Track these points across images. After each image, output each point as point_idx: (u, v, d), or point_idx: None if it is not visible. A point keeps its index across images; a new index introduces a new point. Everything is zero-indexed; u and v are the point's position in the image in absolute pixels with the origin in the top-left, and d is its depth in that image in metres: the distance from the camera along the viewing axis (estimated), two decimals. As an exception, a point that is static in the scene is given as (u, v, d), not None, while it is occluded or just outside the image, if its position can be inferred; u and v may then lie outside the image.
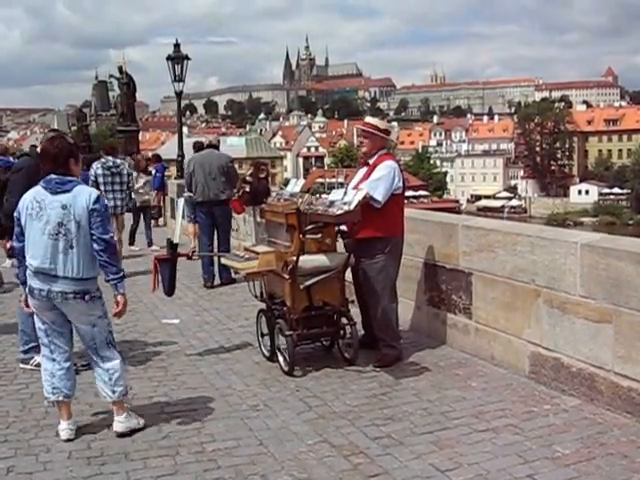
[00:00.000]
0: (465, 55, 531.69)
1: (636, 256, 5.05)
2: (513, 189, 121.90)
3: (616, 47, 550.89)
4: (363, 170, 6.84)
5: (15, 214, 5.15)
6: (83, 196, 5.04)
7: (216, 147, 11.60)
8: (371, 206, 6.35)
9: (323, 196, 6.69)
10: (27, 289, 5.11)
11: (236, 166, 12.61)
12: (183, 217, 7.76)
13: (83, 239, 4.99)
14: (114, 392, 5.17)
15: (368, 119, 7.02)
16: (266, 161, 11.08)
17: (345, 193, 6.28)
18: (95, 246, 5.02)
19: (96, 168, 11.94)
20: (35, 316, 5.22)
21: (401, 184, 6.63)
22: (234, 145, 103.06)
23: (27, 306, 5.28)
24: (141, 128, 47.10)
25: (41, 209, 5.00)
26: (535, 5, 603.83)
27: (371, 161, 6.76)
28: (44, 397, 5.23)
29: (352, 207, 6.02)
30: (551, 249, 5.78)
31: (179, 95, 22.51)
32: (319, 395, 5.91)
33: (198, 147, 14.26)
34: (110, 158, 12.09)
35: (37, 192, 5.07)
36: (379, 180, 6.47)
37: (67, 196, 5.01)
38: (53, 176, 5.05)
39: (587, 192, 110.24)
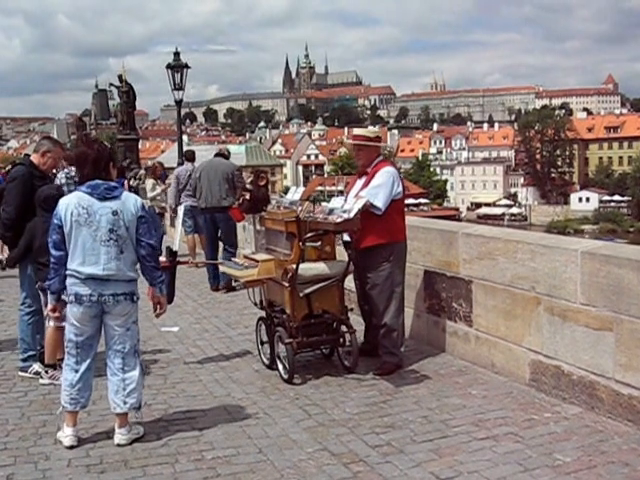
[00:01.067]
0: (465, 63, 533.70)
1: (637, 263, 5.04)
2: (513, 197, 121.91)
3: (617, 55, 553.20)
4: (362, 179, 6.84)
5: (55, 221, 5.02)
6: (131, 202, 5.13)
7: (225, 157, 11.64)
8: (372, 213, 6.35)
9: (323, 204, 6.67)
10: (69, 298, 5.05)
11: (240, 166, 12.68)
12: (182, 225, 7.76)
13: (130, 244, 5.09)
14: (125, 403, 5.14)
15: (356, 131, 7.05)
16: (266, 169, 11.07)
17: (345, 201, 6.28)
18: (142, 251, 5.14)
19: (60, 178, 11.81)
20: (69, 327, 5.13)
21: (401, 189, 6.63)
22: (234, 153, 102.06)
23: (55, 314, 5.30)
24: (141, 137, 47.14)
25: (89, 215, 4.98)
26: (536, 13, 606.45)
27: (369, 169, 6.75)
28: (61, 405, 5.17)
29: (352, 215, 6.01)
30: (551, 257, 5.76)
31: (179, 103, 22.57)
32: (319, 403, 5.90)
33: (189, 157, 14.39)
34: (73, 168, 12.03)
35: (80, 198, 5.03)
36: (379, 187, 6.47)
37: (117, 202, 5.05)
38: (99, 182, 5.05)
39: (588, 200, 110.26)
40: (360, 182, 6.83)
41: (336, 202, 6.36)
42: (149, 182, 15.74)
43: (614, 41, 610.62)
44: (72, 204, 5.01)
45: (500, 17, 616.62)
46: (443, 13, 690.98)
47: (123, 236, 5.05)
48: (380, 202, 6.39)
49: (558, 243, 5.90)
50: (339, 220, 6.03)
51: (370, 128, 6.99)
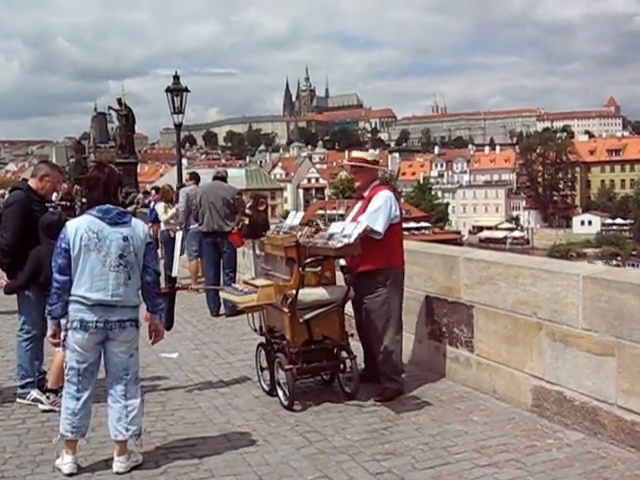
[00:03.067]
0: (466, 86, 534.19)
1: (639, 288, 5.01)
2: (515, 220, 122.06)
3: (619, 77, 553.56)
4: (359, 204, 6.83)
5: (62, 245, 4.96)
6: (140, 228, 5.16)
7: (224, 179, 11.68)
8: (369, 238, 6.33)
9: (322, 228, 6.66)
10: (73, 324, 4.98)
11: (240, 189, 12.71)
12: (182, 252, 7.75)
13: (137, 270, 5.09)
14: (127, 430, 5.08)
15: (354, 154, 7.08)
16: (265, 193, 11.10)
17: (344, 227, 6.26)
18: (148, 277, 5.16)
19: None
20: (70, 354, 5.07)
21: (398, 213, 6.62)
22: (234, 176, 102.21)
23: (56, 340, 5.26)
24: (140, 160, 47.18)
25: (99, 240, 4.95)
26: (537, 35, 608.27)
27: (366, 194, 6.75)
28: (60, 434, 5.10)
29: (352, 240, 5.99)
30: (553, 282, 5.74)
31: (178, 127, 22.51)
32: (319, 430, 5.85)
33: (195, 178, 14.38)
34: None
35: (91, 222, 4.99)
36: (377, 211, 6.46)
37: (128, 228, 5.06)
38: (110, 207, 5.05)
39: (590, 223, 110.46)
40: (357, 207, 6.84)
41: (336, 227, 6.34)
42: (160, 206, 15.69)
43: (616, 63, 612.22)
44: (82, 228, 4.97)
45: (501, 40, 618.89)
46: (444, 36, 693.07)
47: (132, 262, 5.04)
48: (380, 227, 6.38)
49: (560, 268, 5.88)
50: (339, 245, 6.01)
51: (370, 151, 7.01)
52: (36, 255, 6.53)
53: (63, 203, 18.01)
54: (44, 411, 6.43)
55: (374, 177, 6.86)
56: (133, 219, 5.18)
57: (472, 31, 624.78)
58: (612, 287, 5.21)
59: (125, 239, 5.00)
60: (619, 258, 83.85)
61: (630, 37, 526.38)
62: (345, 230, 6.15)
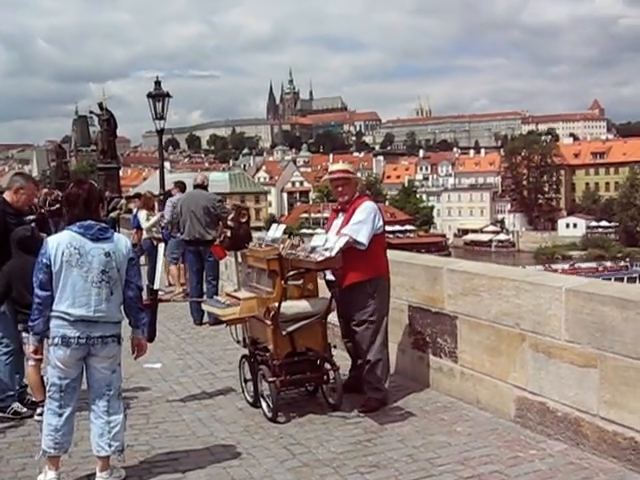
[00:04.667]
0: (452, 88, 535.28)
1: (620, 301, 5.04)
2: (500, 223, 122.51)
3: (604, 79, 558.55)
4: (341, 215, 6.81)
5: (43, 260, 4.92)
6: (122, 244, 5.14)
7: (204, 187, 11.67)
8: (354, 250, 6.32)
9: (304, 242, 6.65)
10: (54, 340, 4.94)
11: (221, 197, 12.67)
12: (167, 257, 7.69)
13: (119, 286, 5.07)
14: (110, 446, 5.04)
15: (335, 167, 6.97)
16: (246, 205, 11.04)
17: (326, 239, 6.25)
18: (130, 293, 5.15)
19: None
20: (52, 370, 5.04)
21: (382, 224, 6.63)
22: (217, 180, 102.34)
23: (37, 356, 5.26)
24: (122, 164, 47.01)
25: (81, 256, 4.92)
26: (523, 38, 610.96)
27: (348, 205, 6.74)
28: (42, 450, 5.05)
29: (333, 253, 5.98)
30: (536, 294, 5.76)
31: (160, 133, 22.40)
32: (303, 442, 5.84)
33: (181, 187, 14.36)
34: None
35: (72, 238, 4.96)
36: (361, 223, 6.45)
37: (109, 244, 5.04)
38: (92, 222, 5.03)
39: (575, 225, 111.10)
40: (340, 219, 6.79)
41: (318, 240, 6.33)
42: (142, 213, 15.65)
43: (601, 66, 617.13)
44: (63, 244, 4.94)
45: (487, 42, 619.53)
46: (430, 38, 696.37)
47: (114, 278, 5.02)
48: (363, 238, 6.38)
49: (542, 280, 5.90)
50: (321, 259, 6.00)
51: (346, 162, 6.87)
52: (7, 271, 6.49)
53: (53, 208, 17.88)
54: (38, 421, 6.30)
55: (356, 187, 6.85)
56: (115, 234, 5.17)
57: (458, 33, 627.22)
58: (594, 300, 5.23)
59: (107, 255, 4.98)
60: (627, 259, 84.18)
61: (616, 40, 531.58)
62: (327, 243, 6.15)
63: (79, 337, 4.91)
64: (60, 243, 4.95)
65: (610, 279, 71.46)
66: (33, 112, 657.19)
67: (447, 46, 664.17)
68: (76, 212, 5.06)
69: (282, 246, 6.49)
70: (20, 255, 6.37)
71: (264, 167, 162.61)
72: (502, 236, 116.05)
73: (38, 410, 6.33)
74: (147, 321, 5.75)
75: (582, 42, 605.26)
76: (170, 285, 15.22)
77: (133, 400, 7.08)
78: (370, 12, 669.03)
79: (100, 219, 5.18)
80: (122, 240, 5.20)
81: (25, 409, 6.64)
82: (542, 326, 5.69)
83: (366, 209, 6.56)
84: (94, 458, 5.16)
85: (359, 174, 7.30)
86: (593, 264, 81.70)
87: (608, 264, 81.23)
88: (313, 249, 6.18)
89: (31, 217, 8.01)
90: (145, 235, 15.31)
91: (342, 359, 7.04)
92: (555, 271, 73.87)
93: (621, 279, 72.49)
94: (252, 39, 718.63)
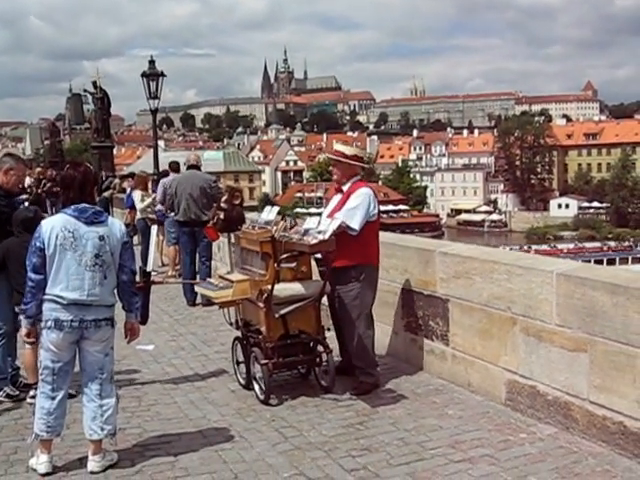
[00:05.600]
0: (447, 68, 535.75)
1: (610, 286, 5.05)
2: (493, 203, 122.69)
3: (598, 61, 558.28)
4: (337, 197, 6.82)
5: (37, 244, 4.92)
6: (116, 228, 5.14)
7: (198, 167, 11.63)
8: (346, 234, 6.32)
9: (297, 224, 6.65)
10: (47, 323, 4.94)
11: (216, 178, 12.67)
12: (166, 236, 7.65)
13: (113, 269, 5.07)
14: (102, 429, 5.05)
15: (336, 146, 6.98)
16: (240, 187, 11.00)
17: (319, 222, 6.25)
18: (124, 277, 5.16)
19: None
20: (45, 353, 5.04)
21: (376, 211, 6.61)
22: (211, 159, 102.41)
23: (30, 339, 5.23)
24: (117, 142, 46.86)
25: (75, 239, 4.91)
26: (518, 18, 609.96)
27: (345, 188, 6.74)
28: (35, 434, 5.06)
29: (327, 236, 5.98)
30: (527, 277, 5.77)
31: (154, 112, 22.30)
32: (295, 425, 5.86)
33: (174, 168, 14.31)
34: None
35: (66, 221, 4.95)
36: (355, 209, 6.45)
37: (104, 227, 5.03)
38: (87, 206, 5.02)
39: (567, 206, 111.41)
40: (335, 201, 6.82)
41: (311, 222, 6.33)
42: (137, 193, 15.63)
43: (595, 47, 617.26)
44: (57, 227, 4.93)
45: (482, 22, 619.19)
46: (425, 18, 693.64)
47: (107, 261, 5.02)
48: (356, 224, 6.38)
49: (534, 264, 5.91)
50: (314, 242, 5.99)
51: (353, 146, 6.81)
52: (6, 247, 6.50)
53: (51, 189, 17.81)
54: (30, 404, 6.27)
55: (354, 172, 6.81)
56: (109, 218, 5.17)
57: (454, 13, 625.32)
58: (585, 284, 5.24)
59: (101, 238, 4.97)
60: (632, 239, 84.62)
61: (610, 21, 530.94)
62: (320, 226, 6.15)
63: (72, 320, 4.91)
64: (54, 226, 4.94)
65: (615, 259, 72.82)
66: (26, 90, 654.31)
67: (442, 26, 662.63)
68: (71, 195, 5.05)
69: (275, 228, 6.48)
70: (22, 235, 6.36)
71: (258, 146, 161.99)
72: (495, 216, 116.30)
73: (31, 393, 6.34)
74: (140, 304, 5.77)
75: (577, 23, 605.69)
76: (163, 265, 15.23)
77: (125, 382, 7.08)
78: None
79: (94, 202, 5.17)
80: (116, 224, 5.20)
81: (17, 392, 6.65)
82: (533, 310, 5.71)
83: (361, 195, 6.55)
84: (86, 441, 5.17)
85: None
86: (598, 244, 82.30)
87: (612, 244, 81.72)
88: (306, 231, 6.17)
89: (24, 197, 7.99)
90: (139, 215, 15.29)
91: (335, 341, 7.05)
92: (561, 250, 75.23)
93: (626, 259, 73.44)
94: (247, 17, 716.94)
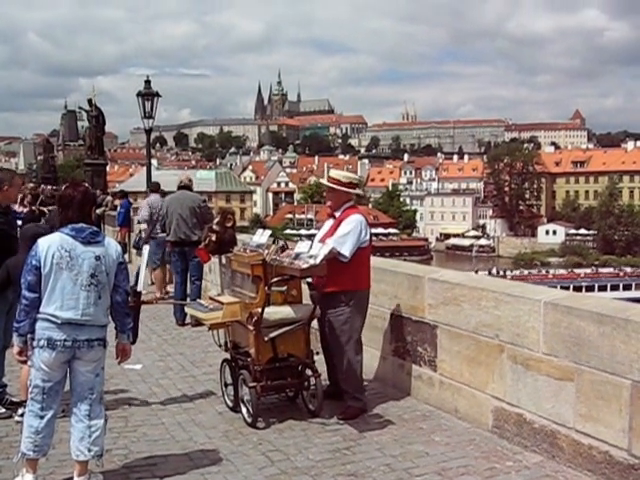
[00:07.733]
0: (439, 94, 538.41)
1: (597, 316, 5.09)
2: (482, 228, 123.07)
3: (586, 90, 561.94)
4: (329, 223, 6.85)
5: (33, 262, 4.90)
6: (112, 248, 5.13)
7: (189, 188, 11.69)
8: (336, 261, 6.35)
9: (289, 247, 6.66)
10: (40, 342, 4.91)
11: (205, 198, 12.74)
12: (147, 266, 7.72)
13: (107, 290, 5.07)
14: (90, 450, 5.01)
15: (332, 173, 6.96)
16: (233, 210, 11.04)
17: (311, 246, 6.27)
18: (118, 297, 5.16)
19: None
20: (36, 372, 5.00)
21: (368, 237, 6.63)
22: (204, 179, 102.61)
23: (22, 358, 5.16)
24: (110, 159, 46.97)
25: (71, 259, 4.91)
26: (509, 47, 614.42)
27: (337, 214, 6.76)
28: (21, 453, 5.01)
29: (318, 261, 6.00)
30: (515, 306, 5.81)
31: (148, 132, 22.34)
32: (282, 449, 5.84)
33: (154, 189, 14.50)
34: None
35: (63, 240, 4.95)
36: (346, 235, 6.47)
37: (100, 248, 5.03)
38: (84, 225, 5.01)
39: (554, 232, 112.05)
40: (327, 226, 6.85)
41: (303, 246, 6.35)
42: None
43: (584, 77, 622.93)
44: (54, 246, 4.92)
45: (474, 50, 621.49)
46: (419, 44, 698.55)
47: (103, 281, 5.02)
48: (347, 251, 6.40)
49: (522, 292, 5.94)
50: (305, 266, 6.02)
51: (350, 174, 6.81)
52: (12, 265, 6.40)
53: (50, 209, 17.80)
54: (18, 422, 6.25)
55: (348, 199, 6.83)
56: (106, 238, 5.18)
57: (447, 41, 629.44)
58: (572, 314, 5.28)
59: (97, 258, 4.98)
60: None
61: (599, 52, 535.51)
62: (312, 250, 6.17)
63: (65, 340, 4.90)
64: (51, 245, 4.94)
65: (631, 285, 73.53)
66: (22, 105, 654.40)
67: (434, 52, 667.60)
68: (69, 214, 5.05)
69: (267, 252, 6.50)
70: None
71: (250, 167, 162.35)
72: (483, 241, 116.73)
73: (19, 411, 6.31)
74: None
75: (566, 53, 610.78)
76: (152, 284, 15.21)
77: (112, 402, 7.03)
78: (360, 18, 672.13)
79: (92, 222, 5.17)
80: (112, 244, 5.20)
81: (3, 410, 6.62)
82: (521, 338, 5.74)
83: (353, 222, 6.57)
84: (72, 462, 5.12)
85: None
86: (612, 269, 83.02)
87: (629, 270, 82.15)
88: (297, 255, 6.20)
89: (24, 210, 7.99)
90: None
91: (324, 365, 7.05)
92: (578, 275, 76.29)
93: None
94: (243, 40, 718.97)
